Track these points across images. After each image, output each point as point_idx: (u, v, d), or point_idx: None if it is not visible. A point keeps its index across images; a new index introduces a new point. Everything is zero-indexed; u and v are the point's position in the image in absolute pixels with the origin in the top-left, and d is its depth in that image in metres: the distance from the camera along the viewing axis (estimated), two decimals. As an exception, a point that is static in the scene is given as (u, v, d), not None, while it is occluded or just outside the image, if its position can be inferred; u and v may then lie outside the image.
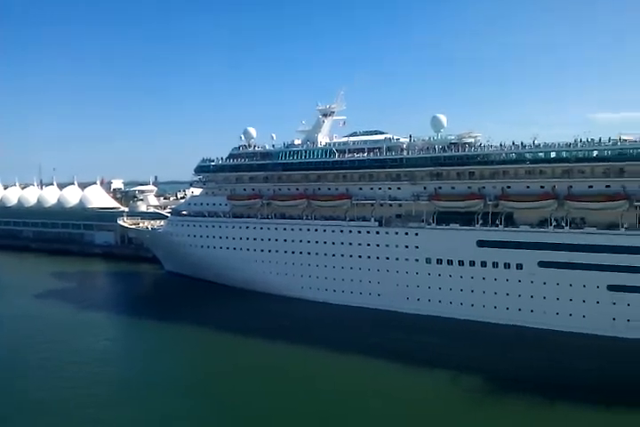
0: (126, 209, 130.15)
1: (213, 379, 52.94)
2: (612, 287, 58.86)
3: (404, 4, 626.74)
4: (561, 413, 43.27)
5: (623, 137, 62.23)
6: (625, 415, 42.33)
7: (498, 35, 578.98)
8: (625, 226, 59.09)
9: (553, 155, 64.35)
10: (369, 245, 74.29)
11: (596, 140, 62.91)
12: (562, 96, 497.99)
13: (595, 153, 61.99)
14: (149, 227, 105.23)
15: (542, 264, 62.49)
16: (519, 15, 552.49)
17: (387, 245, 72.88)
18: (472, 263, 66.76)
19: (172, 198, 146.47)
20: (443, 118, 76.19)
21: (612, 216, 59.89)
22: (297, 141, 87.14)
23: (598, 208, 60.40)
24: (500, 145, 68.64)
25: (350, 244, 75.83)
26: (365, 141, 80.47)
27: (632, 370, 50.06)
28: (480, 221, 66.83)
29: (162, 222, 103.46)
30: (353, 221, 76.25)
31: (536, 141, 66.43)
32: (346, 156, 79.02)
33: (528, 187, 65.21)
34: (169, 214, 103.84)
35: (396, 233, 72.26)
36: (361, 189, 77.23)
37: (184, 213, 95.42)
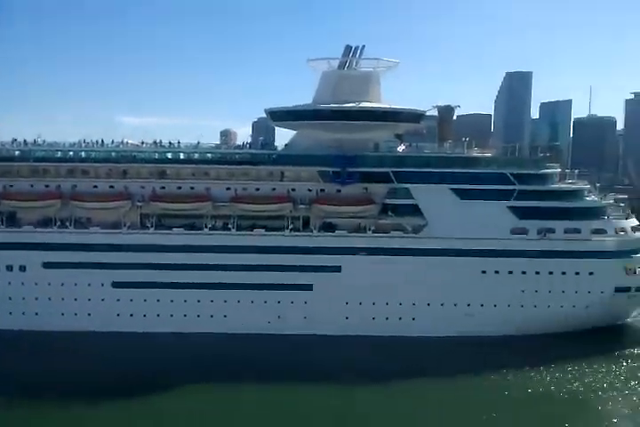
0: None
1: None
2: (116, 284, 61.18)
3: None
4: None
5: (127, 140, 65.71)
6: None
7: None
8: (127, 225, 62.10)
9: (59, 154, 63.79)
10: None
11: (105, 142, 64.93)
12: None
13: (99, 154, 63.63)
14: None
15: (47, 265, 61.10)
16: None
17: None
18: (-31, 268, 61.40)
19: None
20: None
21: (115, 216, 62.24)
22: None
23: (100, 208, 62.05)
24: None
25: None
26: None
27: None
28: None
29: None
30: None
31: (41, 139, 64.98)
32: None
33: (32, 186, 63.11)
34: None
35: None
36: None
37: None
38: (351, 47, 68.48)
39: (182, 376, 49.34)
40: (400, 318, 61.00)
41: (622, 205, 67.91)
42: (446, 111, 70.56)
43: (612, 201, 68.22)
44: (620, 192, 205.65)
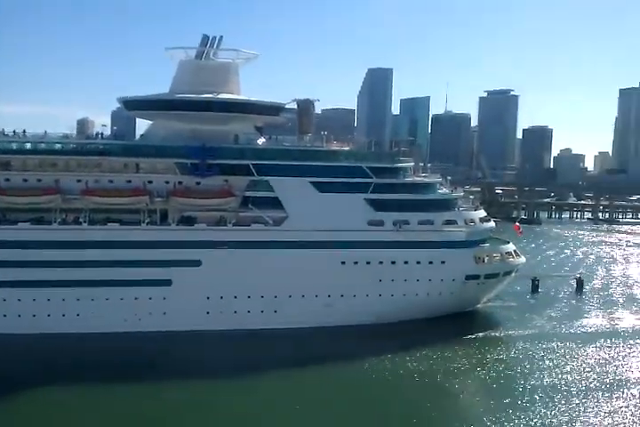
0: None
1: None
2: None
3: None
4: None
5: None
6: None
7: None
8: None
9: None
10: None
11: None
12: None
13: None
14: None
15: None
16: None
17: None
18: None
19: None
20: None
21: None
22: None
23: None
24: None
25: None
26: None
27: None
28: None
29: None
30: None
31: None
32: None
33: None
34: None
35: None
36: None
37: None
38: (208, 37, 67.17)
39: (29, 381, 46.19)
40: (262, 311, 60.76)
41: (472, 197, 71.45)
42: (305, 105, 70.85)
43: (462, 194, 71.62)
44: (474, 185, 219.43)
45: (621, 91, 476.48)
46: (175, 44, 68.64)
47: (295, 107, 71.38)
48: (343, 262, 62.30)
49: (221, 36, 67.52)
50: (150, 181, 60.68)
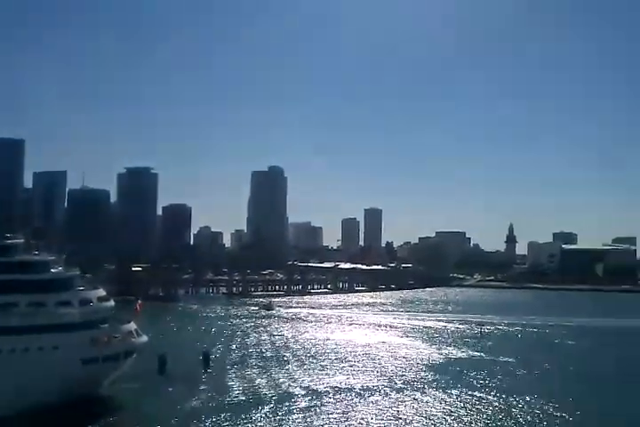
0: None
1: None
2: None
3: None
4: None
5: None
6: None
7: None
8: None
9: None
10: None
11: None
12: None
13: None
14: None
15: None
16: None
17: None
18: None
19: None
20: None
21: None
22: None
23: None
24: None
25: None
26: None
27: None
28: None
29: None
30: None
31: None
32: None
33: None
34: None
35: None
36: None
37: None
38: None
39: None
40: None
41: (87, 275, 68.29)
42: None
43: (77, 272, 67.98)
44: (110, 263, 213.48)
45: (253, 173, 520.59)
46: None
47: None
48: None
49: None
50: None
